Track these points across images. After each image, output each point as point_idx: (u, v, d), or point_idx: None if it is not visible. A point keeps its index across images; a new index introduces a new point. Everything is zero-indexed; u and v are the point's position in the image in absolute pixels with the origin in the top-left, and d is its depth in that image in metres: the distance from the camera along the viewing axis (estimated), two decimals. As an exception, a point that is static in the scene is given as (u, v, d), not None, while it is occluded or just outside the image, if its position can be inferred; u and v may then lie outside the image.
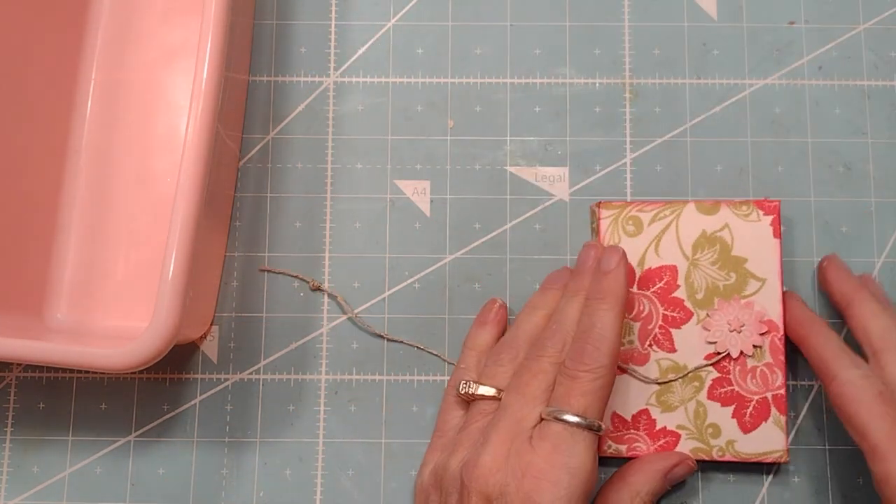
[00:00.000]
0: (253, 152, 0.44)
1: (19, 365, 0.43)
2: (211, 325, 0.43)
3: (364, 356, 0.43)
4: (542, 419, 0.35)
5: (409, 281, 0.43)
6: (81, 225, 0.43)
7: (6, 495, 0.42)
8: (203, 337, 0.43)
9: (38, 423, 0.42)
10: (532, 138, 0.44)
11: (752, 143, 0.44)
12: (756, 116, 0.44)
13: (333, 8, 0.46)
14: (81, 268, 0.43)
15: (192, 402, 0.42)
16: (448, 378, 0.42)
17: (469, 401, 0.39)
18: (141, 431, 0.42)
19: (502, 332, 0.41)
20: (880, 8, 0.45)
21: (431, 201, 0.44)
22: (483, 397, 0.38)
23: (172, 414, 0.42)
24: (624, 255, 0.38)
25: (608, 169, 0.44)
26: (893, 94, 0.44)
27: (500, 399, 0.37)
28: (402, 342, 0.42)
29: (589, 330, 0.36)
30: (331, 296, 0.43)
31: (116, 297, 0.43)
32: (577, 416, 0.35)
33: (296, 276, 0.43)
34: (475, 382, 0.38)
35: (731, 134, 0.44)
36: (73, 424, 0.42)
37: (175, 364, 0.42)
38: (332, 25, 0.45)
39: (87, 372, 0.42)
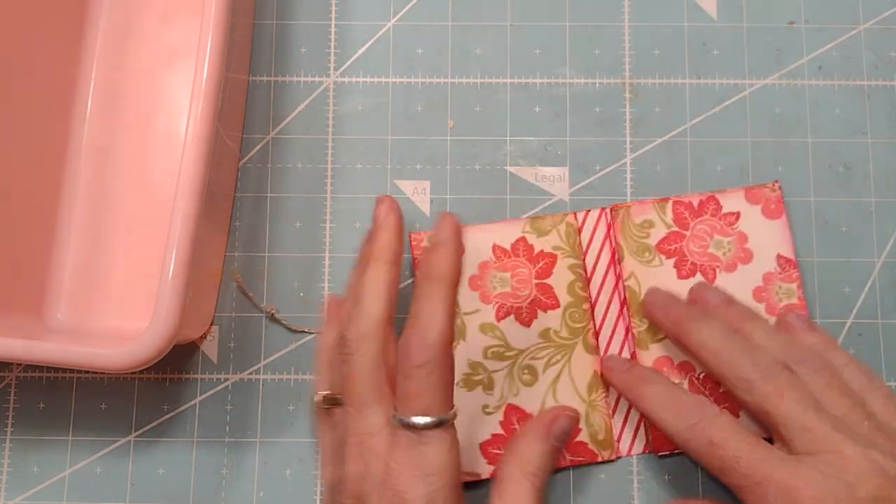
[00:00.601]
0: (253, 152, 0.44)
1: (19, 365, 0.43)
2: (211, 325, 0.43)
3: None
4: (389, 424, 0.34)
5: (410, 280, 0.43)
6: (81, 225, 0.43)
7: (6, 495, 0.42)
8: (203, 337, 0.43)
9: (37, 423, 0.42)
10: (532, 138, 0.44)
11: (752, 143, 0.44)
12: (756, 116, 0.44)
13: (333, 8, 0.46)
14: (81, 268, 0.43)
15: (192, 402, 0.42)
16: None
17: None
18: (141, 431, 0.42)
19: None
20: (880, 8, 0.45)
21: (431, 201, 0.44)
22: (325, 408, 0.37)
23: (172, 414, 0.42)
24: (457, 227, 0.36)
25: (608, 169, 0.44)
26: (893, 94, 0.44)
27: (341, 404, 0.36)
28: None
29: (415, 319, 0.34)
30: (276, 320, 0.43)
31: (116, 297, 0.43)
32: (422, 416, 0.33)
33: (254, 304, 0.43)
34: (318, 392, 0.38)
35: (731, 134, 0.44)
36: (73, 424, 0.42)
37: (175, 364, 0.42)
38: (332, 25, 0.45)
39: (87, 372, 0.42)
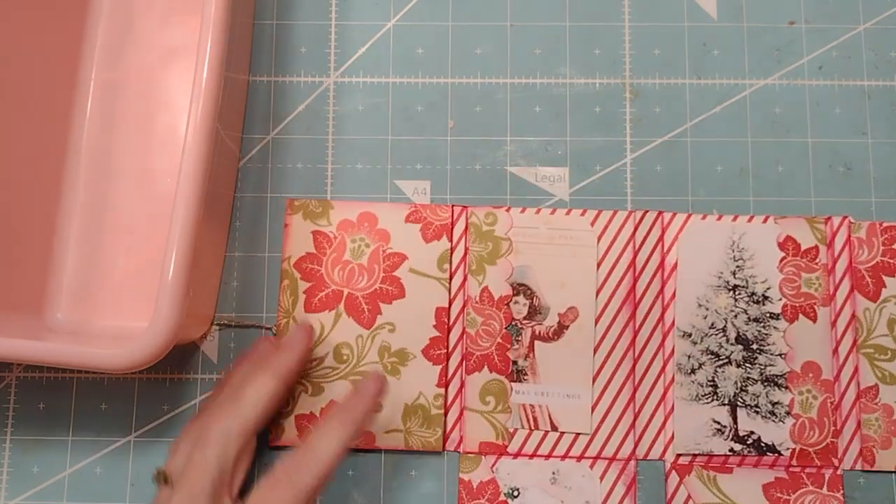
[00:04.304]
0: (253, 152, 0.44)
1: (19, 365, 0.43)
2: (211, 325, 0.43)
3: (364, 356, 0.43)
4: None
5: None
6: (81, 225, 0.43)
7: (6, 495, 0.42)
8: (203, 337, 0.43)
9: (38, 423, 0.42)
10: (532, 138, 0.44)
11: (753, 143, 0.44)
12: (756, 116, 0.44)
13: (333, 8, 0.46)
14: (81, 268, 0.43)
15: (192, 402, 0.42)
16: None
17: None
18: (141, 431, 0.42)
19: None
20: (880, 8, 0.45)
21: (431, 201, 0.44)
22: (155, 482, 0.37)
23: (172, 414, 0.42)
24: (382, 384, 0.38)
25: (608, 169, 0.44)
26: (893, 94, 0.44)
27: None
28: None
29: (309, 448, 0.36)
30: (280, 331, 0.43)
31: (116, 297, 0.43)
32: None
33: (258, 326, 0.43)
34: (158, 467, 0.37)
35: (731, 134, 0.44)
36: (73, 424, 0.42)
37: (175, 364, 0.42)
38: (332, 25, 0.45)
39: (88, 372, 0.42)
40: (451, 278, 0.42)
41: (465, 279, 0.42)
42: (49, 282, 0.42)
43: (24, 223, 0.41)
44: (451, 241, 0.42)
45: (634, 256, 0.42)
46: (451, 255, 0.42)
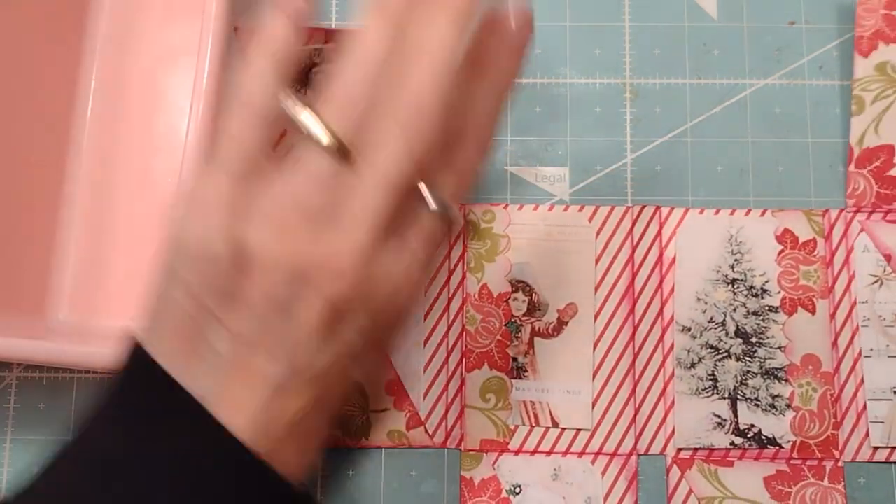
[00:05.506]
0: (253, 152, 0.44)
1: (19, 365, 0.43)
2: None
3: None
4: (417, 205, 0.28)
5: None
6: (82, 225, 0.43)
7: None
8: (203, 337, 0.43)
9: (38, 423, 0.42)
10: (532, 138, 0.44)
11: (753, 143, 0.44)
12: (756, 116, 0.44)
13: (334, 8, 0.46)
14: (83, 268, 0.43)
15: (193, 402, 0.42)
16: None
17: (286, 133, 0.27)
18: (141, 431, 0.42)
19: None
20: (880, 8, 0.45)
21: (432, 201, 0.44)
22: (316, 148, 0.26)
23: (173, 414, 0.42)
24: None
25: (608, 169, 0.44)
26: (893, 94, 0.44)
27: (345, 161, 0.26)
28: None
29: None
30: None
31: (118, 298, 0.43)
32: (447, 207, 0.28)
33: None
34: (303, 107, 0.27)
35: (731, 134, 0.44)
36: (73, 424, 0.42)
37: (175, 364, 0.42)
38: (333, 26, 0.45)
39: (88, 372, 0.42)
40: (449, 276, 0.42)
41: (463, 277, 0.42)
42: (50, 282, 0.42)
43: (25, 223, 0.41)
44: (450, 239, 0.43)
45: (633, 251, 0.42)
46: (448, 252, 0.42)
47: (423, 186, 0.28)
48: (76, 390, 0.42)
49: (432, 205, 0.29)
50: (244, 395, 0.27)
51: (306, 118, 0.26)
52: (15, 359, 0.35)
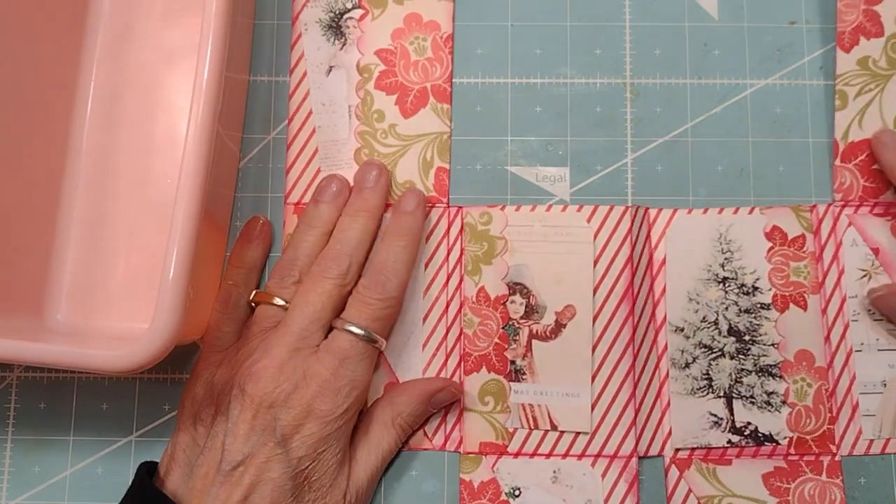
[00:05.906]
0: (253, 152, 0.44)
1: (20, 365, 0.43)
2: (211, 325, 0.43)
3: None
4: (332, 329, 0.39)
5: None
6: (82, 225, 0.43)
7: (7, 495, 0.42)
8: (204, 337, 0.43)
9: (38, 424, 0.42)
10: (533, 138, 0.44)
11: (753, 143, 0.44)
12: (756, 116, 0.44)
13: (334, 8, 0.45)
14: (82, 269, 0.43)
15: (193, 403, 0.42)
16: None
17: (256, 303, 0.41)
18: (142, 431, 0.42)
19: (268, 249, 0.43)
20: (881, 8, 0.45)
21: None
22: (272, 304, 0.40)
23: (173, 414, 0.42)
24: (423, 198, 0.42)
25: (609, 169, 0.44)
26: (894, 94, 0.44)
27: (284, 309, 0.39)
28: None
29: (385, 263, 0.40)
30: None
31: (117, 298, 0.43)
32: (365, 330, 0.38)
33: None
34: (267, 293, 0.40)
35: (731, 134, 0.44)
36: (73, 424, 0.42)
37: (175, 364, 0.42)
38: None
39: (88, 372, 0.42)
40: (447, 279, 0.42)
41: (461, 280, 0.42)
42: (49, 283, 0.42)
43: (25, 224, 0.41)
44: (448, 242, 0.43)
45: (632, 251, 0.42)
46: (447, 255, 0.42)
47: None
48: (77, 391, 0.42)
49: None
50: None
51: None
52: (15, 360, 0.35)
